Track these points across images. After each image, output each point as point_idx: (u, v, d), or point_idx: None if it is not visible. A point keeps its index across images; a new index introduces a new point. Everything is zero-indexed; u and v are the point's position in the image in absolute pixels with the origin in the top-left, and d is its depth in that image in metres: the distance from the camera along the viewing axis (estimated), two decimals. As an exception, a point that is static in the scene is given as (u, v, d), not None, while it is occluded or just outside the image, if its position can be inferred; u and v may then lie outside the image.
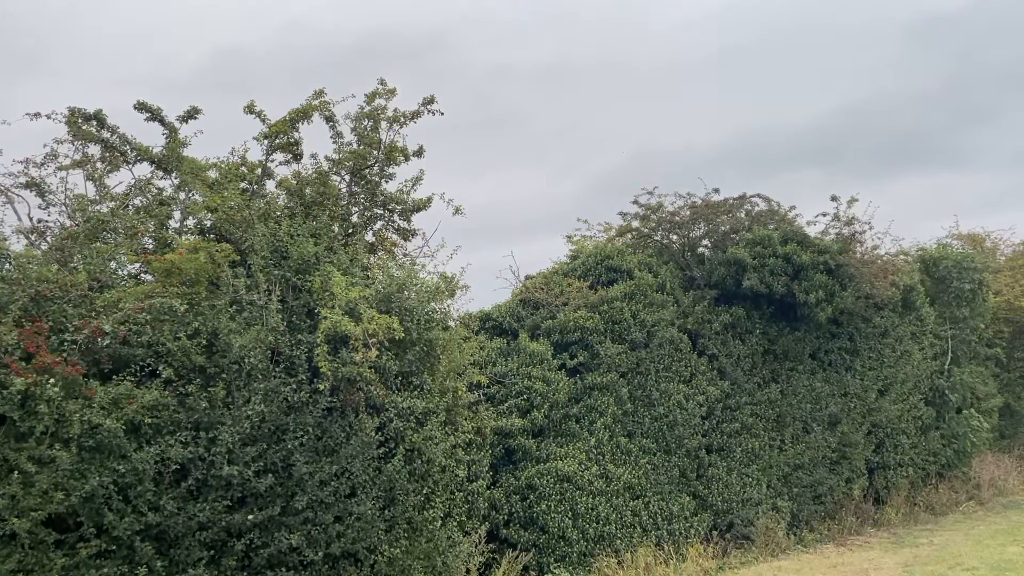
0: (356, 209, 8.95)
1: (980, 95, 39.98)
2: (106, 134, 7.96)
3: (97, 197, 7.75)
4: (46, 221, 7.55)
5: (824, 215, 13.50)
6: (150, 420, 6.13)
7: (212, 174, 8.22)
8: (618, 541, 10.35)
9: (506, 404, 10.29)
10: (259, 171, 8.58)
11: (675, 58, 37.49)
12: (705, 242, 13.20)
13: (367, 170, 8.86)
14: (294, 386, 6.92)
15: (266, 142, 8.50)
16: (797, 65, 39.15)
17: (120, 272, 7.29)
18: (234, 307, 7.03)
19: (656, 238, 13.23)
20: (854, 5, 39.88)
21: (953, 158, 39.21)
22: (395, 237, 9.15)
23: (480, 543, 9.08)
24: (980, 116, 39.98)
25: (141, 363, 6.34)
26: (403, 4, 34.18)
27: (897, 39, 38.88)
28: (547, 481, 9.96)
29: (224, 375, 6.65)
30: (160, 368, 6.34)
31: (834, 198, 13.48)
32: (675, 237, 13.24)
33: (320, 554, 6.90)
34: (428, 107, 8.97)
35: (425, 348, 7.85)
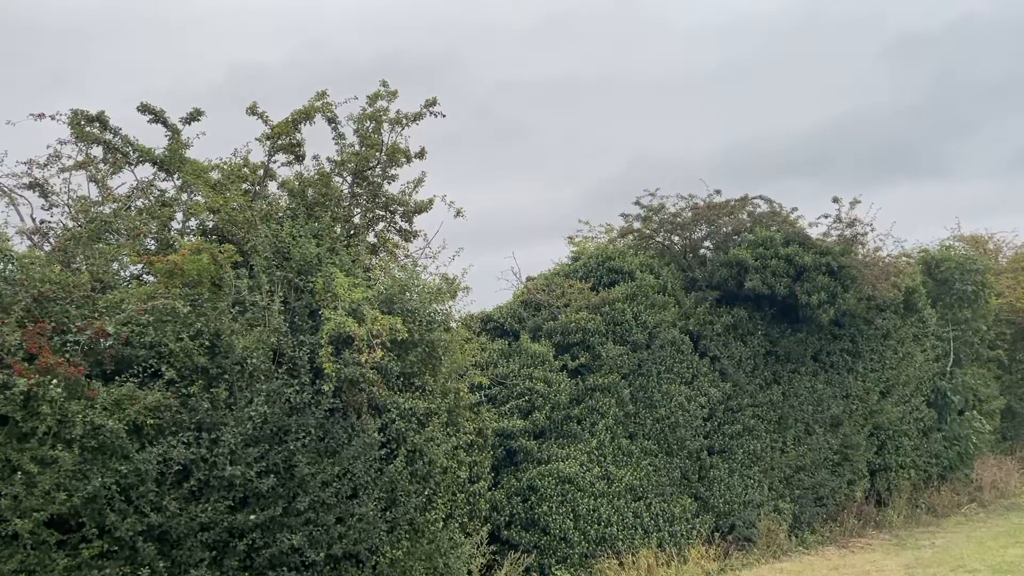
0: (358, 210, 8.94)
1: (961, 109, 41.13)
2: (109, 136, 7.96)
3: (100, 198, 7.75)
4: (49, 222, 7.56)
5: (826, 217, 13.49)
6: (152, 421, 6.14)
7: (214, 175, 8.22)
8: (619, 543, 10.34)
9: (507, 405, 10.28)
10: (261, 172, 8.58)
11: (672, 74, 38.23)
12: (707, 243, 13.19)
13: (369, 171, 8.87)
14: (296, 387, 6.92)
15: (268, 143, 8.50)
16: (785, 81, 40.31)
17: (123, 273, 7.30)
18: (236, 308, 7.03)
19: (658, 239, 13.22)
20: (837, 24, 40.82)
21: (938, 168, 39.99)
22: (397, 238, 9.16)
23: (481, 544, 9.08)
24: (962, 128, 40.89)
25: (143, 364, 6.34)
26: (416, 26, 35.00)
27: (879, 57, 39.85)
28: (548, 482, 9.96)
29: (226, 376, 6.65)
30: (162, 369, 6.33)
31: (836, 200, 13.49)
32: (677, 238, 13.23)
33: (322, 555, 6.90)
34: (430, 109, 8.96)
35: (427, 349, 7.85)
